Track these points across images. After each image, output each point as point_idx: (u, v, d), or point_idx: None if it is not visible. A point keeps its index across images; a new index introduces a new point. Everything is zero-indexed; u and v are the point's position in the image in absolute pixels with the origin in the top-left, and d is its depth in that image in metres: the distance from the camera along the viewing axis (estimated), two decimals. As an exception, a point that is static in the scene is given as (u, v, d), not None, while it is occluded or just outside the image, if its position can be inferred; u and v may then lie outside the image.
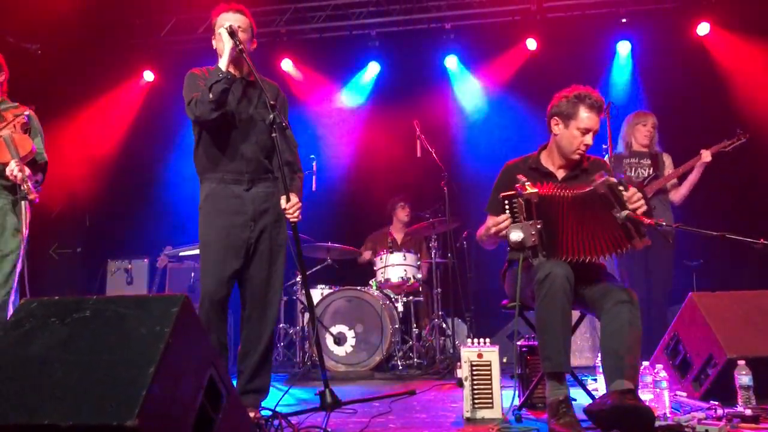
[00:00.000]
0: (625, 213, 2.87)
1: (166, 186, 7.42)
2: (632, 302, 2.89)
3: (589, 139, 3.20)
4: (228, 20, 3.28)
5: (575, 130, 3.19)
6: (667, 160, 5.19)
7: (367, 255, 6.71)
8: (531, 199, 2.99)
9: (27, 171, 3.55)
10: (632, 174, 5.05)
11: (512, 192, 3.04)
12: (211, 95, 3.11)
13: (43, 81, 4.43)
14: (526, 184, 3.03)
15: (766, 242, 2.69)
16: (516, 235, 2.96)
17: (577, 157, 3.25)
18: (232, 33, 3.17)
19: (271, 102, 3.08)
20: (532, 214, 2.99)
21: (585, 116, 3.16)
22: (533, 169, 3.33)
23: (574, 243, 2.99)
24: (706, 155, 4.97)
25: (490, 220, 3.20)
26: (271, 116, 3.06)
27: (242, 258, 3.28)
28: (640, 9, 7.02)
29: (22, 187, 3.50)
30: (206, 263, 3.26)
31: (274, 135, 3.07)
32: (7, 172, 3.51)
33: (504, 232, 3.02)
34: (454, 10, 7.36)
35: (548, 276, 2.87)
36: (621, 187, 2.91)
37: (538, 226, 2.97)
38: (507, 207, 3.02)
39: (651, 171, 5.07)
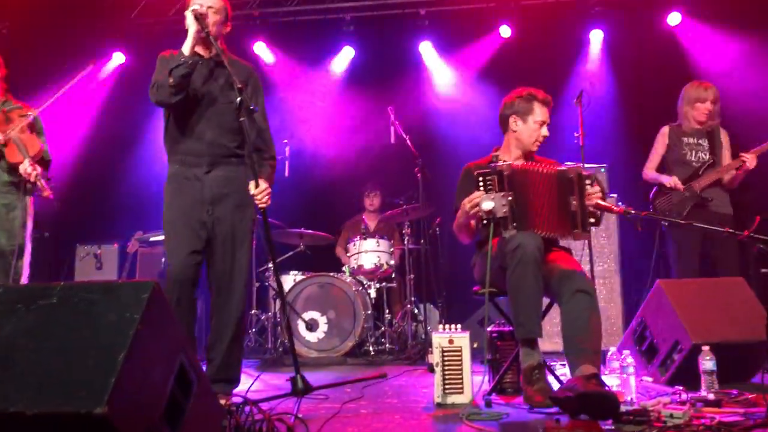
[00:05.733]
0: (576, 203, 3.14)
1: (136, 169, 7.27)
2: (589, 290, 3.00)
3: (545, 130, 3.49)
4: (198, 1, 3.24)
5: (533, 123, 3.49)
6: (724, 139, 4.86)
7: (339, 252, 6.71)
8: (503, 171, 3.14)
9: (39, 169, 3.79)
10: (692, 157, 4.77)
11: (487, 170, 3.17)
12: (171, 80, 3.08)
13: (10, 62, 4.36)
14: (501, 160, 3.22)
15: (751, 234, 2.75)
16: (487, 205, 3.07)
17: (536, 148, 3.53)
18: (197, 17, 3.13)
19: (239, 85, 3.00)
20: (504, 185, 3.12)
21: (539, 111, 3.48)
22: (493, 165, 3.44)
23: (543, 217, 3.17)
24: (752, 162, 4.53)
25: (465, 200, 3.24)
26: (238, 99, 2.99)
27: (203, 240, 3.28)
28: (612, -2, 7.06)
29: (36, 185, 3.75)
30: (169, 245, 3.30)
31: (242, 119, 3.01)
32: (21, 170, 3.75)
33: (477, 207, 3.11)
34: (429, -4, 7.33)
35: (519, 246, 3.00)
36: (588, 181, 3.14)
37: (509, 198, 3.10)
38: (481, 182, 3.14)
39: (709, 155, 4.76)
